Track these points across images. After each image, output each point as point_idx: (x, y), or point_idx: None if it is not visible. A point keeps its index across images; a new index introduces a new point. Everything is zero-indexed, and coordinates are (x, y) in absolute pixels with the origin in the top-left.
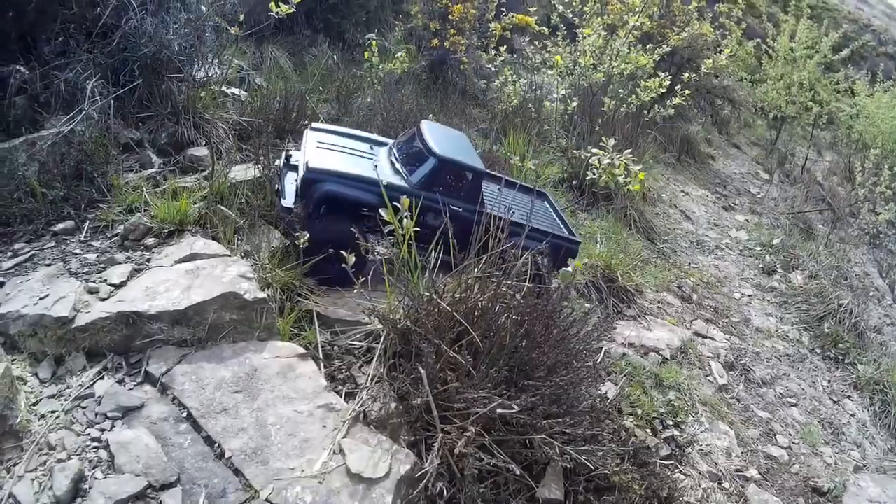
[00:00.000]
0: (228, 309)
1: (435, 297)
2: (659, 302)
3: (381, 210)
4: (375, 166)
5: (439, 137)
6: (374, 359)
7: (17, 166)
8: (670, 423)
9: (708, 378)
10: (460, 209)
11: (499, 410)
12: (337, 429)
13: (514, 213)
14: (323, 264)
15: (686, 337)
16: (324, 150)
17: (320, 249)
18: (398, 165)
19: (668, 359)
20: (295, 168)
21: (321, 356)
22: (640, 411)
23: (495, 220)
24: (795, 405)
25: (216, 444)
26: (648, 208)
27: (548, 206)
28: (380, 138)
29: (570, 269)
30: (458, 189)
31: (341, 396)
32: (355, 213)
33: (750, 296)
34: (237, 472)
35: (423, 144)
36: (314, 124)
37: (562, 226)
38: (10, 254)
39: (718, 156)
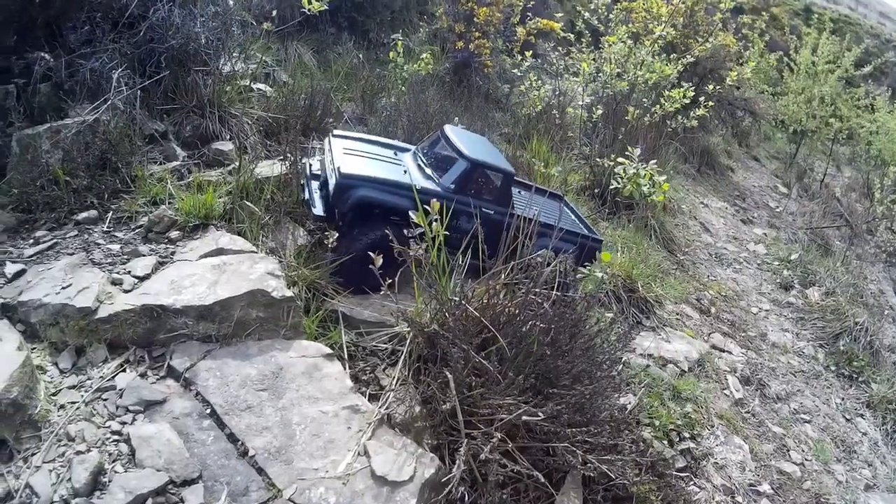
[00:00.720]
0: (255, 306)
1: (464, 302)
2: (678, 314)
3: (410, 212)
4: (405, 171)
5: (465, 141)
6: (400, 361)
7: (40, 153)
8: (687, 435)
9: (724, 392)
10: (492, 212)
11: (524, 417)
12: (362, 430)
13: (541, 215)
14: (358, 271)
15: (704, 350)
16: (352, 155)
17: (354, 255)
18: (428, 170)
19: (685, 371)
20: (317, 177)
21: (346, 357)
22: (657, 423)
23: (526, 223)
24: (809, 422)
25: (239, 442)
26: (669, 219)
27: (565, 207)
28: (402, 144)
29: (597, 271)
30: (489, 191)
31: (365, 397)
32: (388, 219)
33: (767, 311)
34: (260, 471)
35: (451, 148)
36: (335, 131)
37: (581, 226)
38: (31, 241)
39: (738, 168)
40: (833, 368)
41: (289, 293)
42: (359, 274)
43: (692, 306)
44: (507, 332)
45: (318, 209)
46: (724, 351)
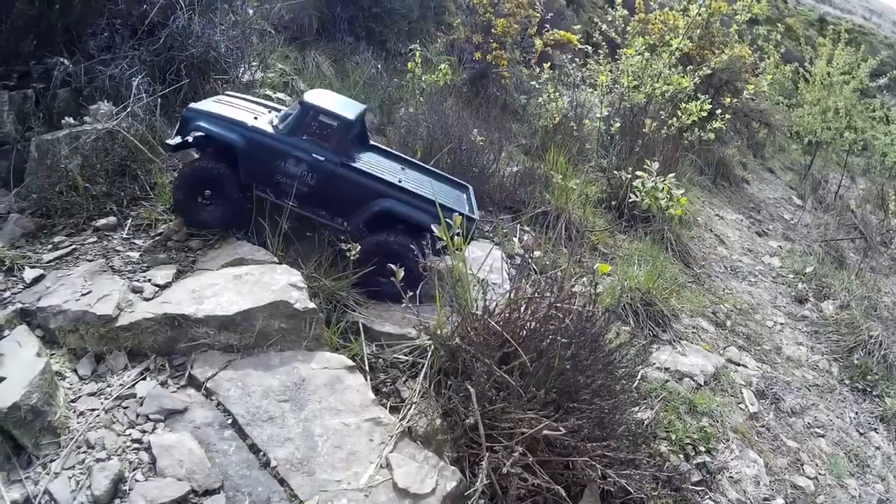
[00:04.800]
0: (278, 317)
1: (486, 316)
2: (694, 327)
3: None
4: (255, 118)
5: (316, 94)
6: (421, 374)
7: (59, 158)
8: (702, 449)
9: (739, 405)
10: (322, 158)
11: (545, 432)
12: (384, 443)
13: (401, 180)
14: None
15: (720, 364)
16: (218, 103)
17: (180, 184)
18: (276, 121)
19: (701, 385)
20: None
21: (367, 368)
22: (674, 436)
23: (366, 178)
24: (823, 436)
25: (261, 453)
26: (685, 232)
27: (464, 195)
28: (283, 108)
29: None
30: (323, 138)
31: (386, 409)
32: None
33: (782, 324)
34: (282, 482)
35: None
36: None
37: (466, 208)
38: (49, 246)
39: (753, 180)
40: (847, 382)
41: (311, 305)
42: (186, 203)
43: (708, 319)
44: (528, 346)
45: (172, 140)
46: (739, 365)
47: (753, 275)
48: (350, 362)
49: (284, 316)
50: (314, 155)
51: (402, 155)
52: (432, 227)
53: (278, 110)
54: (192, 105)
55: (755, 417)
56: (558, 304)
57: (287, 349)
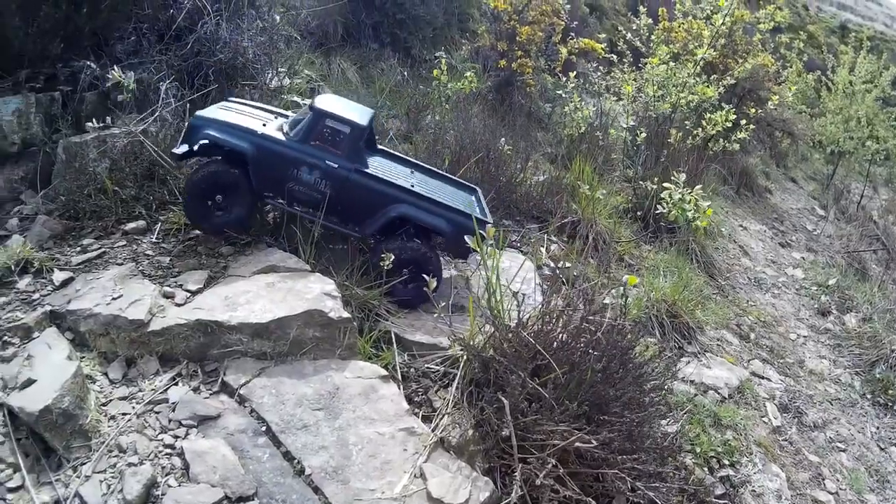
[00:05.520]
0: (312, 326)
1: (520, 329)
2: (718, 339)
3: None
4: (264, 124)
5: (326, 99)
6: (454, 384)
7: (87, 161)
8: (726, 462)
9: (763, 419)
10: (336, 165)
11: (577, 444)
12: (418, 452)
13: (413, 185)
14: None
15: (744, 376)
16: (223, 110)
17: (192, 190)
18: (286, 127)
19: (725, 398)
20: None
21: (399, 378)
22: (698, 449)
23: (382, 184)
24: (844, 450)
25: (296, 461)
26: (709, 243)
27: (473, 197)
28: (286, 112)
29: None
30: (335, 145)
31: (419, 419)
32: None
33: (805, 337)
34: (316, 490)
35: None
36: (231, 97)
37: (477, 209)
38: (78, 248)
39: (776, 190)
40: (869, 397)
41: (346, 314)
42: (197, 208)
43: (732, 332)
44: (560, 358)
45: (179, 148)
46: (762, 378)
47: (777, 286)
48: (384, 372)
49: (318, 325)
50: (327, 162)
51: (409, 158)
52: (449, 231)
53: (285, 116)
54: (199, 113)
55: (778, 431)
56: (590, 317)
57: (320, 358)
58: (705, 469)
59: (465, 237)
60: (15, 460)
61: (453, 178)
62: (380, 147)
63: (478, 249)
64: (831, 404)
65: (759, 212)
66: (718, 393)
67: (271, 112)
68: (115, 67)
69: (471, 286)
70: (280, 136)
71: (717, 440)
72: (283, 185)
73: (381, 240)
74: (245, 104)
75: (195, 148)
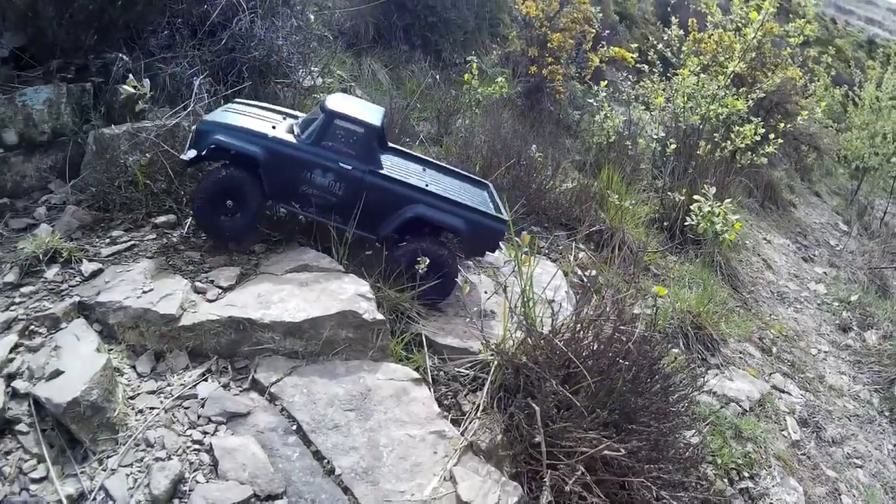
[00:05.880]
0: (345, 327)
1: (553, 337)
2: (741, 352)
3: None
4: (273, 127)
5: (338, 99)
6: (484, 389)
7: (119, 154)
8: (746, 474)
9: (782, 432)
10: (350, 167)
11: (606, 452)
12: (448, 456)
13: (427, 184)
14: (208, 209)
15: (765, 390)
16: (230, 112)
17: (204, 192)
18: (296, 129)
19: (747, 410)
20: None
21: (430, 381)
22: (719, 461)
23: (396, 185)
24: (861, 467)
25: (325, 460)
26: (734, 255)
27: (485, 193)
28: (295, 112)
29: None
30: (349, 146)
31: (449, 422)
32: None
33: (825, 352)
34: (346, 490)
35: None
36: (237, 99)
37: (491, 207)
38: (107, 240)
39: (800, 203)
40: (887, 414)
41: (380, 316)
42: (207, 212)
43: (755, 345)
44: (590, 367)
45: (187, 154)
46: (783, 391)
47: (799, 301)
48: (416, 374)
49: (352, 326)
50: (341, 164)
51: (419, 155)
52: (465, 230)
53: (294, 117)
54: (207, 117)
55: (797, 445)
56: (622, 327)
57: (352, 358)
58: (725, 480)
59: (499, 243)
60: (39, 451)
61: (464, 173)
62: (390, 145)
63: (507, 253)
64: (849, 420)
65: (783, 225)
66: (740, 405)
67: (280, 112)
68: (131, 76)
69: (500, 291)
70: (291, 138)
71: (737, 452)
72: (297, 188)
73: (397, 240)
74: (252, 105)
75: (203, 153)
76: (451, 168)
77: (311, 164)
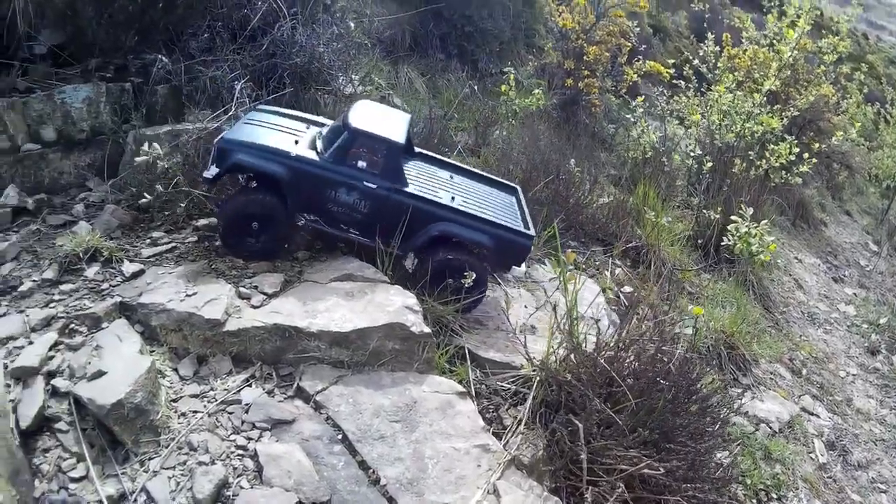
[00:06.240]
0: (392, 338)
1: (596, 354)
2: (771, 373)
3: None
4: (297, 142)
5: (363, 110)
6: (526, 404)
7: (158, 155)
8: (774, 496)
9: (810, 455)
10: (374, 186)
11: (645, 471)
12: (492, 469)
13: (453, 198)
14: (233, 236)
15: (794, 412)
16: (250, 125)
17: (227, 219)
18: (319, 143)
19: (776, 432)
20: None
21: (473, 394)
22: (749, 481)
23: (422, 203)
24: (885, 492)
25: (371, 470)
26: (766, 274)
27: (513, 199)
28: (319, 119)
29: (521, 269)
30: (373, 164)
31: (492, 435)
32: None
33: (854, 375)
34: (391, 501)
35: (343, 119)
36: (259, 105)
37: (520, 220)
38: (148, 241)
39: (830, 222)
40: None
41: (427, 329)
42: (233, 237)
43: (785, 366)
44: (630, 385)
45: (209, 172)
46: (812, 414)
47: (829, 322)
48: (461, 388)
49: (399, 338)
50: (365, 183)
51: (447, 160)
52: (491, 246)
53: (319, 124)
54: (227, 135)
55: (824, 468)
56: (664, 348)
57: (398, 370)
58: (754, 501)
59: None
60: (80, 450)
61: (493, 178)
62: (417, 150)
63: (553, 269)
64: (875, 444)
65: (814, 245)
66: (770, 427)
67: (303, 120)
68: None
69: (543, 306)
70: (314, 155)
71: (766, 473)
72: (321, 205)
73: (423, 251)
74: (275, 112)
75: (225, 171)
76: (480, 173)
77: (335, 183)
